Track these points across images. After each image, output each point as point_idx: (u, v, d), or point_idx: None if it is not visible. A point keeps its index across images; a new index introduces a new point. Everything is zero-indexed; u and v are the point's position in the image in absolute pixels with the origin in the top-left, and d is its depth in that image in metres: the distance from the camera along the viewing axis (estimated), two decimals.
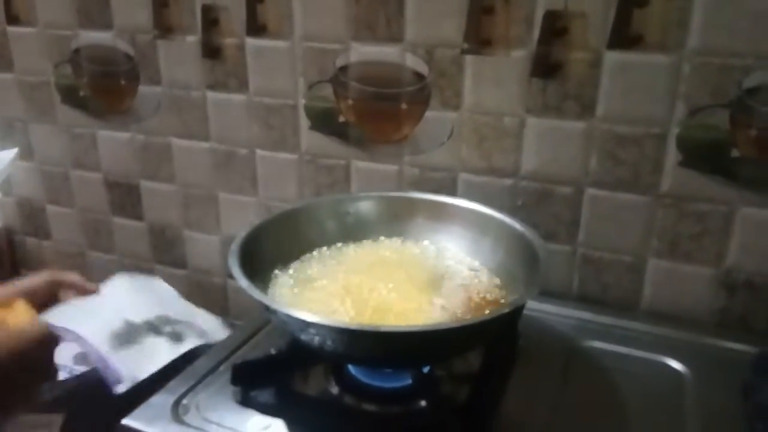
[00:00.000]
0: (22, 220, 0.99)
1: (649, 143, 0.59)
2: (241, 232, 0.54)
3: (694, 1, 0.54)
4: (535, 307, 0.62)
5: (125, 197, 0.88)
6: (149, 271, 0.91)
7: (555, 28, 0.59)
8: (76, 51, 0.83)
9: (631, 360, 0.56)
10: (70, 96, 0.86)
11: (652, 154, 0.60)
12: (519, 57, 0.61)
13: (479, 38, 0.62)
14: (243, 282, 0.47)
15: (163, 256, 0.89)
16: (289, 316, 0.44)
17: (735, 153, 0.57)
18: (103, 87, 0.84)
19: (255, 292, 0.46)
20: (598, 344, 0.58)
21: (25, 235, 1.00)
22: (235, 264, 0.49)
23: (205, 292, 0.88)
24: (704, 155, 0.58)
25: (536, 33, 0.60)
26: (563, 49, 0.59)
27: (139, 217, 0.89)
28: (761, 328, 0.59)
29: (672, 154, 0.59)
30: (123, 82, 0.82)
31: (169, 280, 0.89)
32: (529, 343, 0.57)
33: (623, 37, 0.57)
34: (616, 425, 0.49)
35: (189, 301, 0.90)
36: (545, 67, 0.61)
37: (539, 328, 0.61)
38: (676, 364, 0.55)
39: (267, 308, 0.46)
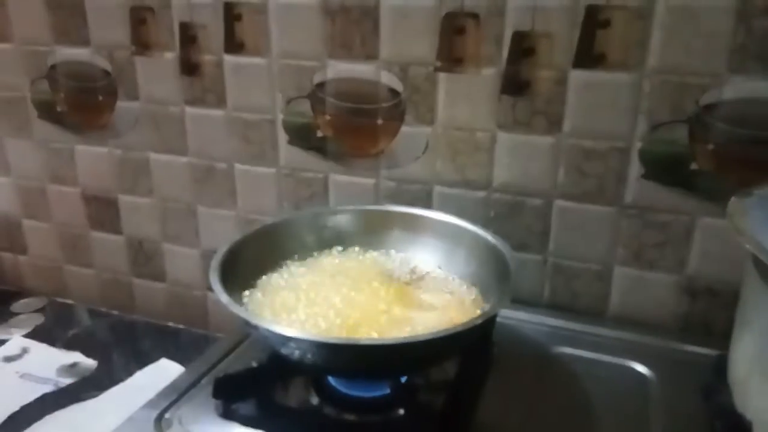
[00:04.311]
0: None
1: (613, 157, 0.62)
2: (221, 248, 0.55)
3: (653, 22, 0.57)
4: (508, 315, 0.64)
5: (103, 211, 0.88)
6: (127, 285, 0.91)
7: (523, 47, 0.62)
8: (53, 67, 0.83)
9: (600, 365, 0.59)
10: (47, 111, 0.86)
11: (616, 168, 0.62)
12: (489, 75, 0.64)
13: (451, 57, 0.65)
14: (224, 298, 0.48)
15: (141, 269, 0.89)
16: (269, 331, 0.45)
17: (694, 166, 0.60)
18: (80, 102, 0.84)
19: (236, 308, 0.47)
20: (568, 350, 0.61)
21: (1, 251, 0.99)
22: (216, 280, 0.50)
23: (184, 306, 0.88)
24: (665, 168, 0.61)
25: (505, 52, 0.62)
26: (531, 67, 0.62)
27: (117, 231, 0.89)
28: (721, 332, 0.62)
29: (635, 167, 0.62)
30: (101, 98, 0.82)
31: (148, 293, 0.90)
32: (503, 350, 0.59)
33: (587, 56, 0.60)
34: (585, 427, 0.51)
35: (169, 314, 0.90)
36: (514, 85, 0.63)
37: (512, 336, 0.63)
38: (641, 368, 0.58)
39: (248, 323, 0.47)
